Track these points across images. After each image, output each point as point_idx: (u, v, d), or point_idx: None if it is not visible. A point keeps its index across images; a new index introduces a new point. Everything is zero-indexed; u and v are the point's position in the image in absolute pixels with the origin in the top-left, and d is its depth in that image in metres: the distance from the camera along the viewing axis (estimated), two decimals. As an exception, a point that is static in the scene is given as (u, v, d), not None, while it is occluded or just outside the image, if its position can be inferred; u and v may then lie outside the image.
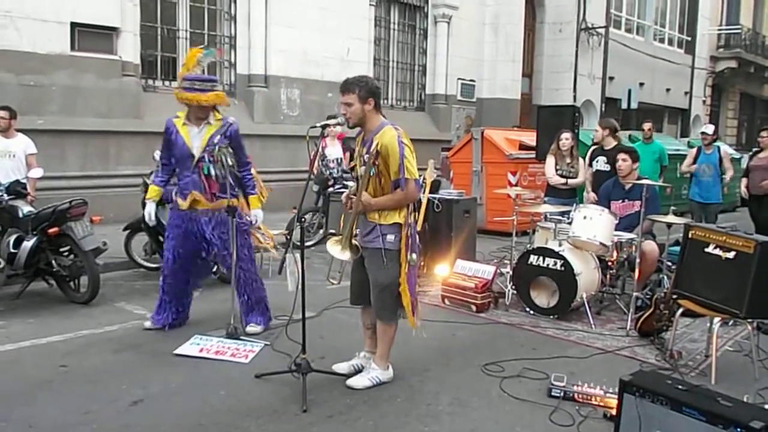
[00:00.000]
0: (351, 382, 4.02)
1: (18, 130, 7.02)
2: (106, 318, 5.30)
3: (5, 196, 5.91)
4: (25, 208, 5.81)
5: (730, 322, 5.08)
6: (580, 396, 3.90)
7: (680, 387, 3.07)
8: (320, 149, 8.30)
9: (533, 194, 8.13)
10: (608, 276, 6.06)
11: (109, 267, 7.11)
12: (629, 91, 17.53)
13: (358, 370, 4.17)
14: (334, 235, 3.94)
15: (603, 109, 18.44)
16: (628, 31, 20.53)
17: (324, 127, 3.96)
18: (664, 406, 3.02)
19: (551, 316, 5.61)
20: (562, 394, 3.94)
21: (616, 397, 3.22)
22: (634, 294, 5.47)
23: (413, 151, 3.91)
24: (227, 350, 4.54)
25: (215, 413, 3.61)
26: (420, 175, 7.51)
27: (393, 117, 14.45)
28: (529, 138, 9.95)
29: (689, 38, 23.49)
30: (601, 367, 4.55)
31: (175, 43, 10.89)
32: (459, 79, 15.16)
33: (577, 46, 17.32)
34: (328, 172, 8.61)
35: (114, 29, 9.58)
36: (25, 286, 5.88)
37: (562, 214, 6.24)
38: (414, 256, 3.96)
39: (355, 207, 3.86)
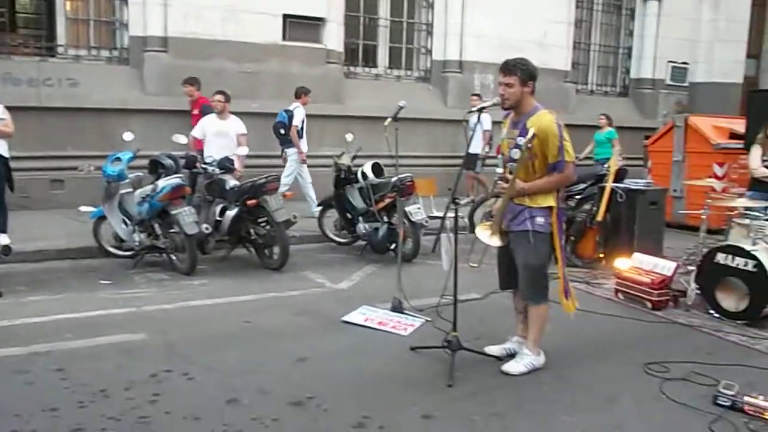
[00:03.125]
0: (506, 367, 4.05)
1: (233, 113, 7.91)
2: (291, 284, 5.88)
3: (216, 170, 6.74)
4: (231, 182, 6.58)
5: None
6: (751, 408, 3.56)
7: None
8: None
9: (738, 189, 7.41)
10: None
11: (303, 239, 7.82)
12: None
13: (510, 354, 4.20)
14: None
15: None
16: None
17: (480, 110, 3.99)
18: (836, 427, 2.70)
19: (738, 322, 5.13)
20: (729, 403, 3.63)
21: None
22: (844, 305, 4.81)
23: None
24: (389, 322, 4.82)
25: (366, 377, 3.89)
26: (605, 164, 7.26)
27: (593, 103, 13.97)
28: (743, 126, 9.00)
29: None
30: None
31: (375, 32, 11.48)
32: (669, 62, 14.11)
33: (819, 21, 15.19)
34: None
35: (321, 20, 10.35)
36: (229, 251, 6.71)
37: (764, 209, 5.64)
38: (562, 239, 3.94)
39: (509, 192, 3.86)
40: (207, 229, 6.20)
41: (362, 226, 7.02)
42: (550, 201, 3.89)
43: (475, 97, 10.25)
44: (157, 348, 4.27)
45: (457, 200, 3.99)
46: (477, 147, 10.11)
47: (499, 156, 7.77)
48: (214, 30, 9.63)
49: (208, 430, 3.20)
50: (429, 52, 11.82)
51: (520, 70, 3.83)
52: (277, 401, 3.53)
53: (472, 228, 7.53)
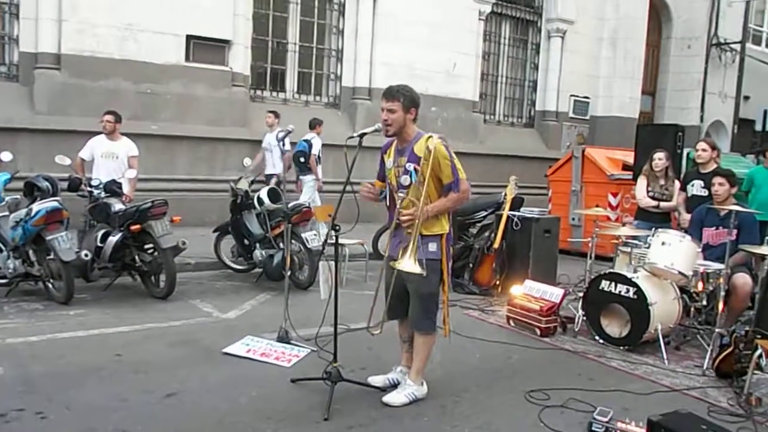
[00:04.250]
0: (387, 399, 3.93)
1: (130, 135, 7.58)
2: (175, 313, 5.59)
3: (102, 194, 6.41)
4: (116, 206, 6.25)
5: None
6: (623, 434, 3.60)
7: (714, 434, 2.77)
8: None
9: (630, 218, 7.68)
10: (694, 309, 5.56)
11: (199, 266, 7.53)
12: (765, 112, 16.13)
13: (393, 385, 4.10)
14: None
15: (735, 130, 17.13)
16: (770, 46, 19.00)
17: (362, 136, 3.93)
18: (692, 453, 2.74)
19: (621, 347, 5.24)
20: (603, 429, 3.66)
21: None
22: (717, 330, 4.99)
23: None
24: (273, 353, 4.63)
25: (238, 412, 3.68)
26: (501, 192, 7.38)
27: (500, 133, 14.15)
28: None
29: None
30: (662, 405, 4.13)
31: (284, 56, 11.38)
32: (572, 95, 14.66)
33: (706, 63, 16.25)
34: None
35: (226, 42, 10.14)
36: (113, 279, 6.35)
37: (646, 238, 5.83)
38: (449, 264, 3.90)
39: (419, 218, 3.71)
40: (87, 255, 5.83)
41: (259, 253, 6.81)
42: (444, 227, 3.84)
43: (270, 114, 9.63)
44: (13, 384, 3.92)
45: (337, 227, 3.88)
46: (277, 168, 9.41)
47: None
48: (112, 49, 9.26)
49: (52, 476, 2.93)
50: (338, 78, 11.80)
51: (402, 96, 3.79)
52: (137, 441, 3.29)
53: (377, 254, 7.46)
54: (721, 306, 5.05)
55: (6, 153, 6.40)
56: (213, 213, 9.27)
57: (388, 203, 3.99)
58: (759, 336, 4.34)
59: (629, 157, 9.79)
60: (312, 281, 6.58)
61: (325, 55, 11.78)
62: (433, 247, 3.82)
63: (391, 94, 3.83)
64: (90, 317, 5.37)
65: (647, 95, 16.26)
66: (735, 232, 5.29)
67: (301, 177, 9.50)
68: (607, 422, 3.68)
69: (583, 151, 9.98)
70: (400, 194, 3.87)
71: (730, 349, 4.58)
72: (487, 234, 7.42)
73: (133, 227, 5.91)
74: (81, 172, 6.98)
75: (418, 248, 3.78)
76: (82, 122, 8.54)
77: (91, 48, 9.09)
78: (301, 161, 9.44)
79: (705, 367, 4.84)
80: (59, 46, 9.02)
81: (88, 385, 3.95)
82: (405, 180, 3.84)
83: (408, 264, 3.64)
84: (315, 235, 6.60)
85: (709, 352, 4.94)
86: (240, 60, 10.38)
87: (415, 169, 3.77)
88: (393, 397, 3.94)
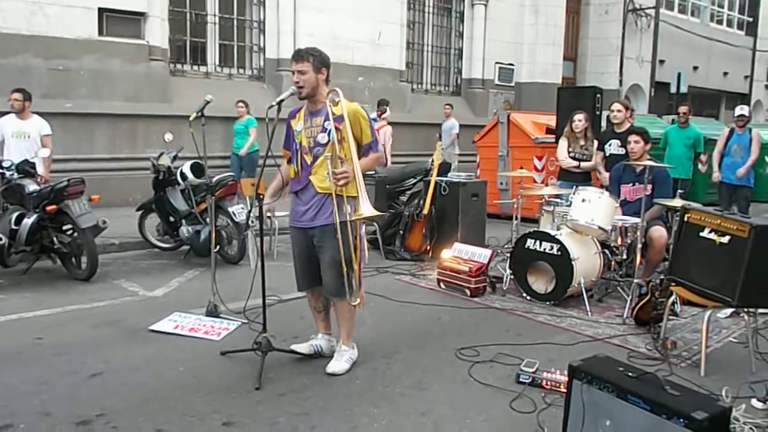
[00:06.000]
0: (331, 369, 3.87)
1: (43, 113, 7.20)
2: (99, 294, 5.41)
3: (15, 175, 6.11)
4: (30, 187, 5.97)
5: (741, 313, 4.77)
6: (548, 383, 3.73)
7: (630, 374, 2.89)
8: None
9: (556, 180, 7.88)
10: (615, 262, 5.78)
11: (124, 246, 7.31)
12: (678, 75, 16.79)
13: (318, 351, 4.09)
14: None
15: (652, 93, 17.76)
16: (682, 12, 19.73)
17: (279, 103, 3.86)
18: (610, 393, 2.85)
19: (548, 303, 5.41)
20: (529, 380, 3.78)
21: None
22: (635, 281, 5.21)
23: None
24: (202, 327, 4.56)
25: (166, 387, 3.62)
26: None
27: (428, 102, 14.28)
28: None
29: (750, 19, 22.35)
30: (586, 354, 4.19)
31: (204, 28, 11.05)
32: (497, 63, 14.87)
33: (624, 28, 16.73)
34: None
35: (141, 14, 9.77)
36: (32, 263, 6.08)
37: (567, 197, 6.00)
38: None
39: (354, 174, 3.62)
40: (0, 239, 5.56)
41: (185, 230, 6.65)
42: (353, 191, 3.79)
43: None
44: (-76, 376, 3.73)
45: (261, 196, 3.82)
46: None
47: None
48: (19, 24, 8.79)
49: (-32, 463, 2.81)
50: (262, 50, 11.57)
51: (312, 56, 3.75)
52: (59, 423, 3.18)
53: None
54: (638, 258, 5.28)
55: None
56: (137, 191, 8.99)
57: (296, 168, 3.90)
58: (673, 283, 4.55)
59: (553, 121, 10.01)
60: (242, 256, 6.50)
61: (246, 27, 11.51)
62: (348, 208, 3.77)
63: (300, 55, 3.79)
64: (7, 302, 5.14)
65: (569, 61, 16.65)
66: (650, 187, 5.50)
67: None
68: (533, 372, 3.81)
69: (509, 116, 10.14)
70: (314, 153, 3.79)
71: (647, 298, 4.80)
72: (416, 201, 7.47)
73: (49, 208, 5.66)
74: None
75: (332, 212, 3.71)
76: None
77: (-4, 23, 8.59)
78: None
79: (625, 316, 5.06)
80: (-41, 22, 8.49)
81: (6, 370, 3.79)
82: (323, 138, 3.74)
83: (368, 209, 3.53)
84: (242, 208, 6.49)
85: (628, 302, 5.16)
86: (157, 33, 10.02)
87: (335, 127, 3.72)
88: (335, 366, 3.90)
